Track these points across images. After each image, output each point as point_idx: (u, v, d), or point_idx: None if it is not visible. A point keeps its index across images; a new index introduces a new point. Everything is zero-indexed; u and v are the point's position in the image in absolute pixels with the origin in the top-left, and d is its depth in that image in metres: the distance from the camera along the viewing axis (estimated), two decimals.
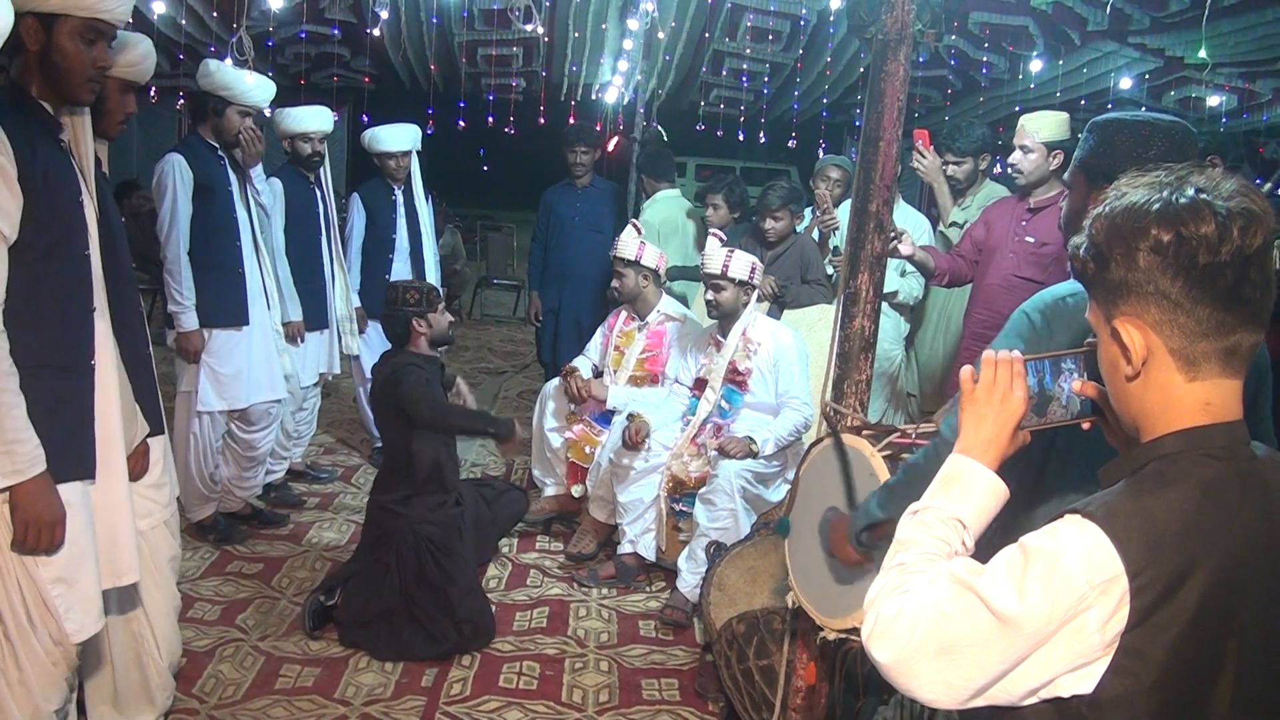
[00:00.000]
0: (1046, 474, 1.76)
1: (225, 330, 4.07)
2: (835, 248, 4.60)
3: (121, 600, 2.63)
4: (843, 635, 2.04)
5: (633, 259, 4.40)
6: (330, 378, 5.08)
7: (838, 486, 2.12)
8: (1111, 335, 1.25)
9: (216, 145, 4.04)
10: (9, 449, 2.07)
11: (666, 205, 5.55)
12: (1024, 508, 1.73)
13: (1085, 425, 1.40)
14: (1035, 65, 5.86)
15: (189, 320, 3.95)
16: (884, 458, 2.05)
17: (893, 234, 3.76)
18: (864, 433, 2.18)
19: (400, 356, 3.65)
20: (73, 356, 2.22)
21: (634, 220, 4.60)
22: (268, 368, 4.22)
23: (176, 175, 3.88)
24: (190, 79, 4.11)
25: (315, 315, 4.70)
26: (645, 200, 5.65)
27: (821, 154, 5.31)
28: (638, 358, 4.51)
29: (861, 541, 1.95)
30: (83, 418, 2.25)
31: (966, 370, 1.38)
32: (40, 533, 2.14)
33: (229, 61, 4.10)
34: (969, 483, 1.33)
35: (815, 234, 4.82)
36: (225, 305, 4.06)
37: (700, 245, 5.20)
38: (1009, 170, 3.80)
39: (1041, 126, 3.69)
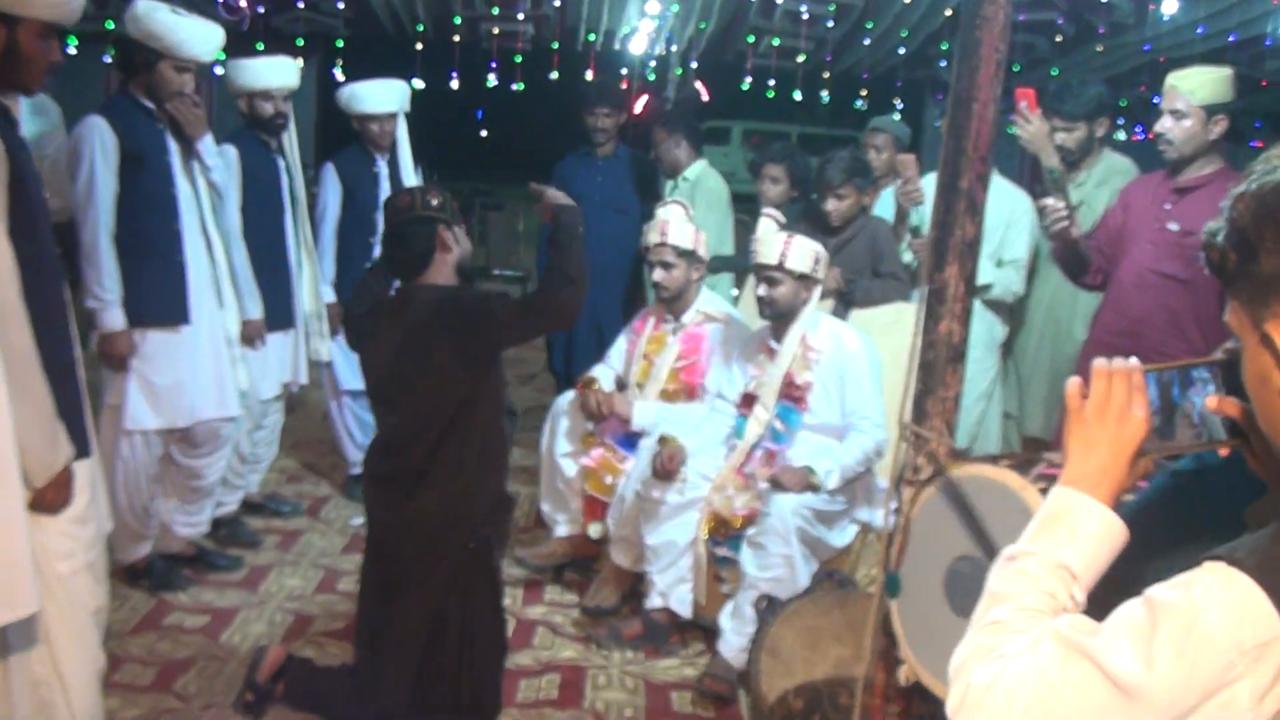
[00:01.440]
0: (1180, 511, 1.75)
1: (161, 331, 4.06)
2: (915, 227, 4.59)
3: (26, 660, 2.63)
4: None
5: (690, 249, 4.42)
6: (296, 389, 5.11)
7: (968, 530, 2.12)
8: (1261, 341, 1.24)
9: (151, 106, 4.04)
10: None
11: (713, 179, 5.59)
12: (1150, 554, 1.72)
13: (1223, 451, 1.39)
14: (1169, 4, 5.82)
15: (112, 318, 3.94)
16: (1039, 490, 2.03)
17: (1063, 211, 3.72)
18: (1001, 462, 2.17)
19: (431, 291, 3.24)
20: None
21: (679, 200, 4.59)
22: (216, 378, 4.23)
23: (96, 142, 3.87)
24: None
25: (278, 313, 4.74)
26: (666, 176, 5.66)
27: (898, 118, 5.28)
28: (671, 367, 4.52)
29: None
30: None
31: (1074, 383, 1.38)
32: None
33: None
34: (1078, 522, 1.32)
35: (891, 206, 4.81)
36: (161, 300, 4.04)
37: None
38: (1157, 141, 3.75)
39: (1197, 86, 3.64)
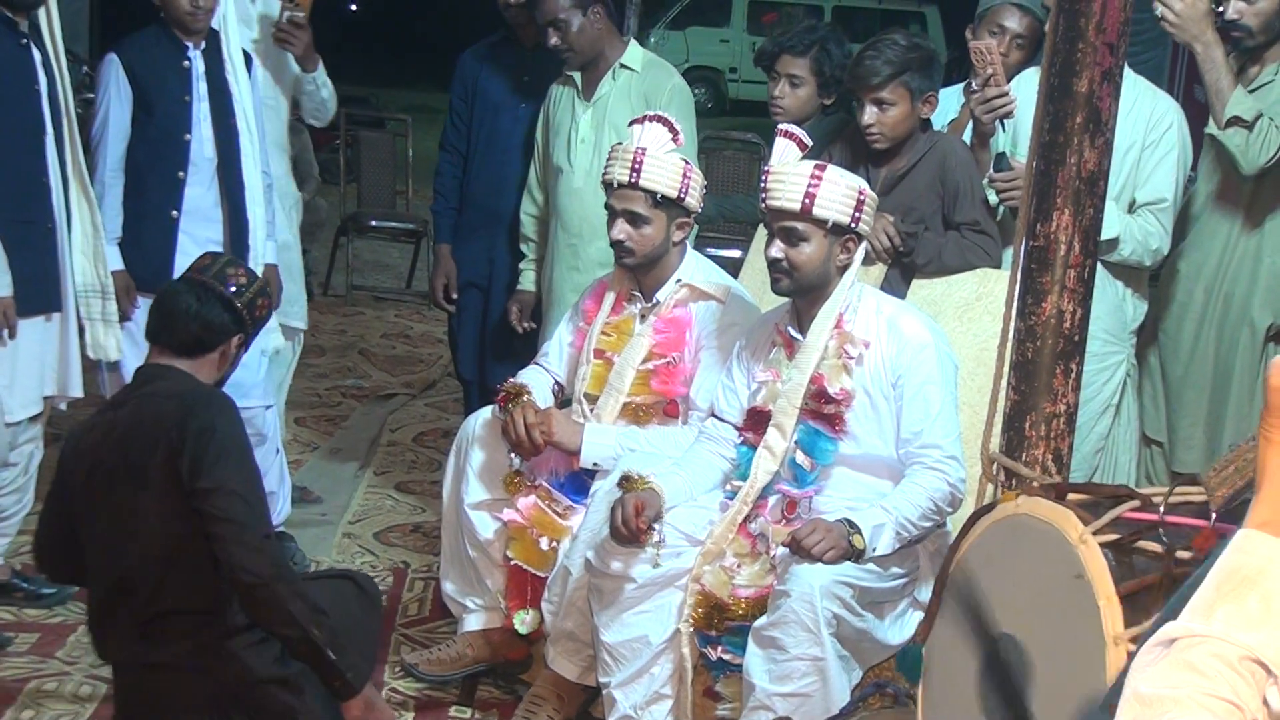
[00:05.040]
0: None
1: None
2: (1001, 154, 4.61)
3: None
4: None
5: (675, 196, 4.41)
6: (64, 406, 5.09)
7: (1022, 595, 2.17)
8: None
9: None
10: None
11: (672, 74, 5.57)
12: None
13: None
14: None
15: None
16: (1106, 546, 2.10)
17: None
18: (1069, 496, 2.22)
19: (172, 379, 3.57)
20: None
21: (661, 114, 4.53)
22: None
23: None
24: None
25: (36, 289, 4.74)
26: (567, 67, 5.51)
27: None
28: (639, 370, 4.53)
29: None
30: None
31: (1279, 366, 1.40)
32: None
33: None
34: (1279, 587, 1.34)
35: (968, 132, 4.80)
36: None
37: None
38: None
39: None
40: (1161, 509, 2.12)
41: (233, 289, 3.60)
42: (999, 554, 2.18)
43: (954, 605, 2.30)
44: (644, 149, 4.37)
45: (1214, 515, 2.02)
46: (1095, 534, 2.07)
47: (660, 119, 4.45)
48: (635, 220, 4.40)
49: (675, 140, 4.43)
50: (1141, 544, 2.15)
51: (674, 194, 4.38)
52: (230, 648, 3.49)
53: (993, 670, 2.16)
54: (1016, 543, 2.14)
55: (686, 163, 4.43)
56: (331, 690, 3.48)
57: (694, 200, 4.45)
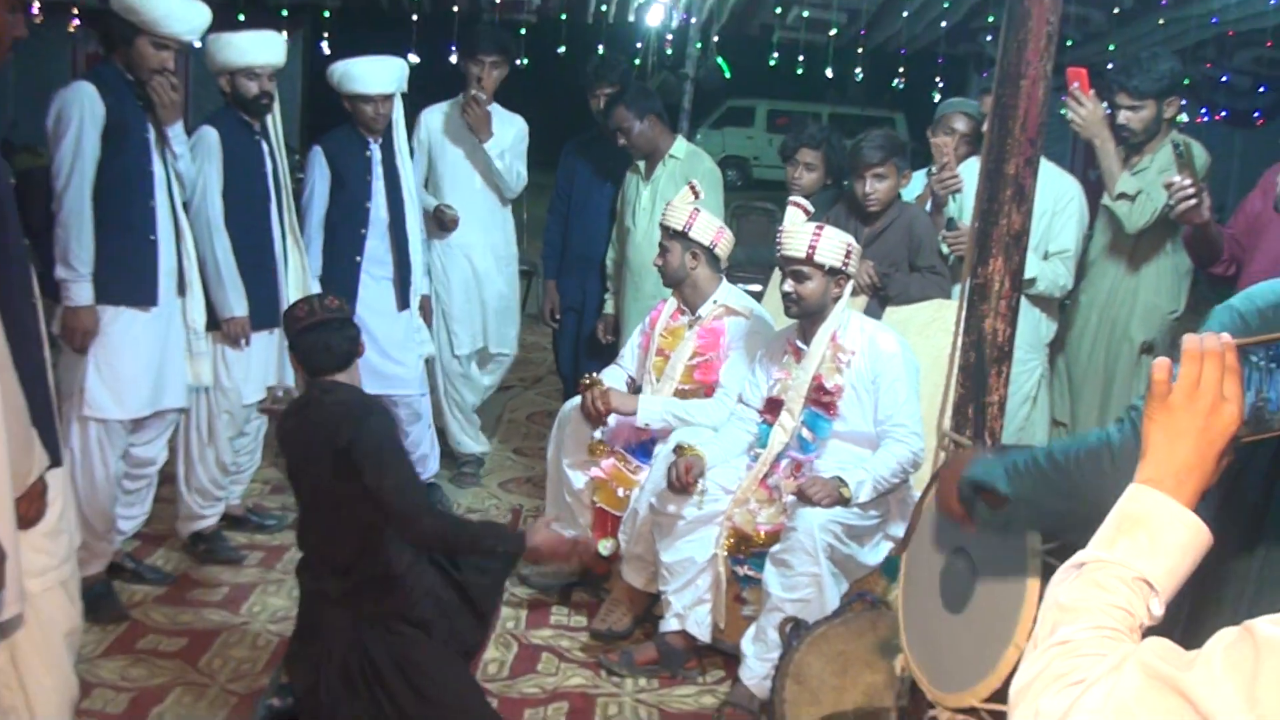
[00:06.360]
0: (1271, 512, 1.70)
1: (130, 310, 4.22)
2: (951, 218, 4.64)
3: None
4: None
5: (680, 229, 4.47)
6: (281, 393, 5.15)
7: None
8: None
9: (132, 79, 4.19)
10: None
11: (708, 160, 5.64)
12: (1229, 556, 1.68)
13: None
14: None
15: (82, 292, 4.07)
16: None
17: (1190, 189, 3.75)
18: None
19: (340, 392, 3.41)
20: None
21: (693, 182, 4.63)
22: (172, 367, 4.38)
23: (86, 107, 4.02)
24: None
25: (263, 309, 4.78)
26: (636, 157, 5.54)
27: (938, 97, 5.28)
28: (686, 364, 4.56)
29: (964, 495, 2.09)
30: None
31: (1162, 365, 1.34)
32: None
33: None
34: (1162, 528, 1.30)
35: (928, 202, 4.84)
36: (131, 277, 4.20)
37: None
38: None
39: None
40: None
41: (342, 314, 3.46)
42: None
43: (926, 530, 2.35)
44: (669, 200, 4.55)
45: None
46: None
47: (690, 184, 4.60)
48: (662, 250, 4.53)
49: (696, 196, 4.54)
50: None
51: (680, 228, 4.46)
52: (375, 589, 3.36)
53: (951, 572, 2.21)
54: None
55: (696, 209, 4.48)
56: (505, 556, 3.48)
57: (700, 234, 4.48)
